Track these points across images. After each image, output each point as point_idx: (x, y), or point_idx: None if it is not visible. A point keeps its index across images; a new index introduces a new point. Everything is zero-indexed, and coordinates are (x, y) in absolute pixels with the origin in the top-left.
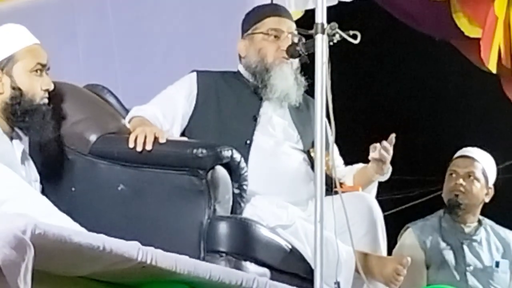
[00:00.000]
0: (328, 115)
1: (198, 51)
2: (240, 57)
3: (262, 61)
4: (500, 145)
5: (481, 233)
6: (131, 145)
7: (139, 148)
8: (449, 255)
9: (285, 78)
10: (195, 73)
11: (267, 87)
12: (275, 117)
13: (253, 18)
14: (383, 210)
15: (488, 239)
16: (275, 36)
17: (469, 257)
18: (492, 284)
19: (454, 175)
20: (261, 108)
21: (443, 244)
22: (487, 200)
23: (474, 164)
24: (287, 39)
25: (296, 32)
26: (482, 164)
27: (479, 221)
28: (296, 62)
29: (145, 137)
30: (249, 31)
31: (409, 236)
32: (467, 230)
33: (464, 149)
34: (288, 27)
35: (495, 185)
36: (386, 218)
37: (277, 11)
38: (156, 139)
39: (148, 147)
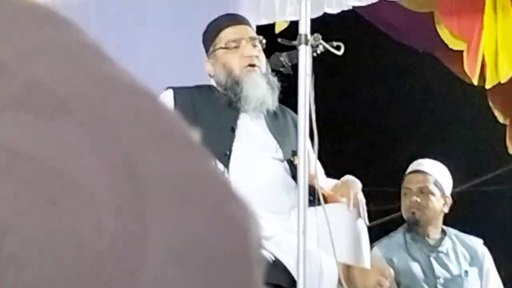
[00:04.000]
0: (311, 126)
1: (179, 64)
2: (210, 76)
3: (230, 75)
4: (482, 157)
5: (446, 243)
6: None
7: None
8: (418, 270)
9: (257, 86)
10: (171, 90)
11: (241, 99)
12: (253, 127)
13: (210, 35)
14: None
15: (454, 248)
16: (235, 47)
17: (438, 269)
18: None
19: (408, 193)
20: (238, 119)
21: (410, 259)
22: (446, 210)
23: (426, 178)
24: (247, 45)
25: (255, 35)
26: (434, 176)
27: (443, 232)
28: (263, 64)
29: None
30: (210, 49)
31: (375, 256)
32: (432, 242)
33: (414, 162)
34: (245, 32)
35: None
36: (369, 229)
37: (230, 20)
38: None
39: None
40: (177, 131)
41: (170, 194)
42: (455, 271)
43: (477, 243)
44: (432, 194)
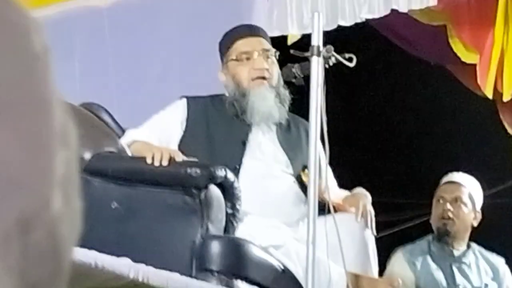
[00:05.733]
0: (322, 137)
1: (192, 73)
2: (224, 86)
3: (238, 87)
4: (493, 170)
5: (470, 256)
6: (149, 161)
7: (156, 163)
8: (439, 276)
9: (263, 99)
10: (185, 99)
11: (247, 112)
12: (265, 142)
13: (224, 45)
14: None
15: (477, 263)
16: (247, 58)
17: (459, 278)
18: None
19: (441, 201)
20: (250, 133)
21: (433, 266)
22: (475, 224)
23: (460, 189)
24: (259, 58)
25: (269, 47)
26: (468, 188)
27: (468, 246)
28: (275, 77)
29: (161, 155)
30: (224, 60)
31: (398, 259)
32: (456, 253)
33: (449, 174)
34: (258, 44)
35: (483, 209)
36: (377, 240)
37: (245, 32)
38: (172, 158)
39: (165, 163)
40: None
41: None
42: (475, 283)
43: (499, 261)
44: (465, 205)
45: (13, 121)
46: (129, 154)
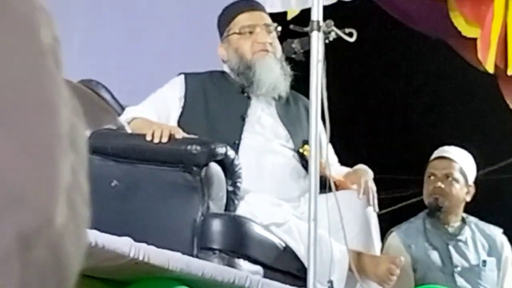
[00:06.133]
0: (323, 113)
1: (193, 49)
2: (223, 61)
3: (242, 60)
4: (496, 145)
5: (466, 232)
6: (148, 138)
7: (156, 140)
8: (435, 257)
9: (271, 70)
10: (182, 76)
11: (254, 83)
12: (264, 116)
13: (225, 19)
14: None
15: (473, 237)
16: (250, 32)
17: (456, 257)
18: (480, 283)
19: (432, 178)
20: (249, 108)
21: (428, 246)
22: (468, 199)
23: (451, 165)
24: (262, 31)
25: (270, 22)
26: (460, 163)
27: (463, 220)
28: (278, 51)
29: (161, 132)
30: (225, 34)
31: (393, 240)
32: (451, 230)
33: (440, 149)
34: (260, 18)
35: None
36: (379, 217)
37: (246, 6)
38: (172, 135)
39: (164, 140)
40: None
41: None
42: (473, 260)
43: (496, 232)
44: (456, 181)
45: (15, 126)
46: (129, 131)
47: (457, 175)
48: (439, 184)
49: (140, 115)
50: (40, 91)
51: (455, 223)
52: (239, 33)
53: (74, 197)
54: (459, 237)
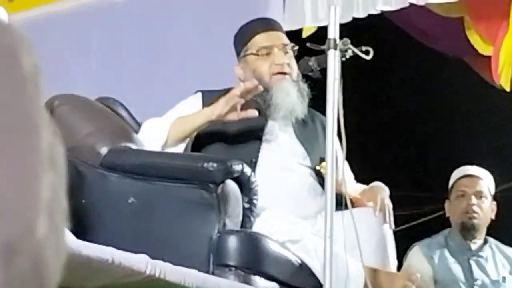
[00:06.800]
0: (339, 130)
1: (209, 67)
2: (240, 80)
3: (260, 82)
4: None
5: (486, 250)
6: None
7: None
8: (457, 270)
9: (288, 94)
10: (200, 93)
11: (271, 106)
12: (281, 135)
13: (241, 39)
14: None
15: (494, 256)
16: (267, 54)
17: (477, 272)
18: None
19: (463, 196)
20: (266, 126)
21: (450, 259)
22: (493, 217)
23: (480, 183)
24: (279, 52)
25: (287, 42)
26: (486, 181)
27: (485, 240)
28: (295, 71)
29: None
30: (241, 54)
31: (416, 253)
32: (473, 247)
33: (463, 168)
34: (277, 39)
35: (502, 200)
36: (395, 234)
37: (263, 26)
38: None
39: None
40: None
41: None
42: (493, 276)
43: None
44: (486, 198)
45: (0, 146)
46: (148, 145)
47: (486, 192)
48: (473, 200)
49: (172, 120)
50: (22, 114)
51: (479, 240)
52: (256, 54)
53: (54, 212)
54: (481, 254)
